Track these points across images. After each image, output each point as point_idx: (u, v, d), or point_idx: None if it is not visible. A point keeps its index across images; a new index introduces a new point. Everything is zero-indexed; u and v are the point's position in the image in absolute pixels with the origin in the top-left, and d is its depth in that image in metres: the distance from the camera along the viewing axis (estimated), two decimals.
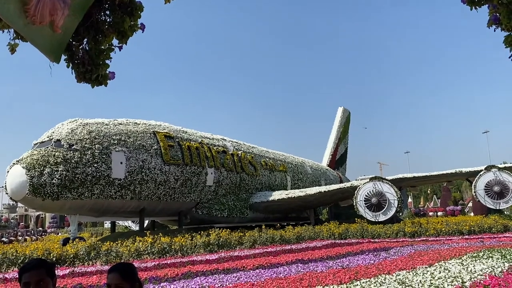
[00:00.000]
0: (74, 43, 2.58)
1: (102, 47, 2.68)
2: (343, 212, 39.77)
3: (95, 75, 2.60)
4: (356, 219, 25.19)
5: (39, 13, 2.17)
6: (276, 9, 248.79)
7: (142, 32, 2.98)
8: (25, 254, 15.06)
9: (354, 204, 26.94)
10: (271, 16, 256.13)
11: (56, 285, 10.17)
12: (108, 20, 2.69)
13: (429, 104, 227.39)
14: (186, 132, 27.44)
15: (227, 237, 19.26)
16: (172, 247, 17.12)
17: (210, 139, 29.17)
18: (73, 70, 2.66)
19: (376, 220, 25.61)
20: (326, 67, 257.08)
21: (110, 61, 2.75)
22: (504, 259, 10.40)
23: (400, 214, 31.30)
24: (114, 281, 2.67)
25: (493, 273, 8.39)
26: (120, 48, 2.78)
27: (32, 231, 44.92)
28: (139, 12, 2.83)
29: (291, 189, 34.79)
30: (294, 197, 29.60)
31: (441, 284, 7.31)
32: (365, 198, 26.51)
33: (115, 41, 2.79)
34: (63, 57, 2.52)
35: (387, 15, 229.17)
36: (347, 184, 31.25)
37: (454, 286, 7.11)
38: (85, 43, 2.62)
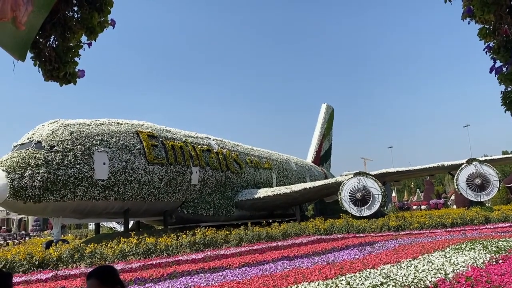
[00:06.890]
0: (40, 40, 2.49)
1: (71, 44, 2.58)
2: (328, 207, 39.99)
3: (62, 73, 2.51)
4: (341, 214, 25.34)
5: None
6: (260, 3, 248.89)
7: (113, 28, 2.86)
8: (7, 259, 14.73)
9: (339, 199, 27.12)
10: (255, 11, 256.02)
11: None
12: (76, 16, 2.59)
13: (412, 99, 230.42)
14: (170, 131, 27.22)
15: (213, 236, 19.17)
16: (158, 247, 16.97)
17: (194, 137, 28.99)
18: (40, 68, 2.55)
19: (361, 215, 25.84)
20: (310, 63, 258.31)
21: (79, 59, 2.65)
22: (485, 250, 10.56)
23: (385, 208, 31.67)
24: None
25: (475, 264, 8.50)
26: (89, 45, 2.68)
27: (15, 235, 44.11)
28: (109, 7, 2.73)
29: (276, 186, 34.81)
30: (280, 194, 29.64)
31: (425, 276, 7.37)
32: (349, 193, 26.70)
33: (84, 38, 2.68)
34: (30, 54, 2.43)
35: (371, 13, 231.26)
36: (332, 180, 31.43)
37: (437, 279, 7.17)
38: (52, 40, 2.52)
